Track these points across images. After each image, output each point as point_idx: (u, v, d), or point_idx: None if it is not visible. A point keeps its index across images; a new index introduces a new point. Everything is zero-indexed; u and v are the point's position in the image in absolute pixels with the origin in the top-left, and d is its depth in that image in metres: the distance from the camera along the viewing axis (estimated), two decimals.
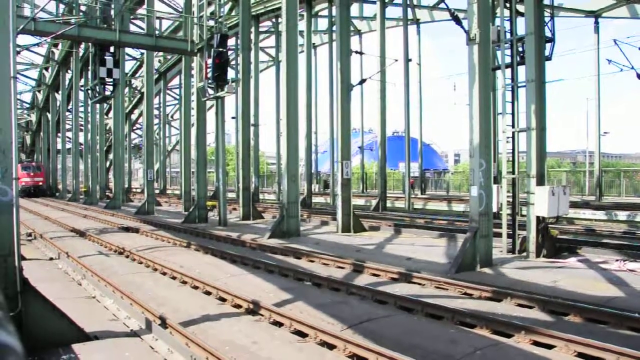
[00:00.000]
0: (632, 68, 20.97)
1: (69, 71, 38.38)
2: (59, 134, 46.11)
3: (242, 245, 14.00)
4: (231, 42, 28.01)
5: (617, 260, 10.53)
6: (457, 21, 10.92)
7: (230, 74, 21.85)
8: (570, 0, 24.60)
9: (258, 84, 29.78)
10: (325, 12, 30.26)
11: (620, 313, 6.56)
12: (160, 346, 5.75)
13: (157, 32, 22.58)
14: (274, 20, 31.90)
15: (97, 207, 30.22)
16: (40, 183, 44.90)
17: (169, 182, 54.56)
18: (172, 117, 53.03)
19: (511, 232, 12.09)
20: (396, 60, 24.93)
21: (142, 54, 33.70)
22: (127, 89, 41.14)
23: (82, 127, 38.42)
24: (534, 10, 11.71)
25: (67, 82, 39.46)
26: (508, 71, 12.35)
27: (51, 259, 12.14)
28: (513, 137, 12.26)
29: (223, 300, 7.95)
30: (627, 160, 79.55)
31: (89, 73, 21.66)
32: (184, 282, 9.32)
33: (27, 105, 54.39)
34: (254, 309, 7.19)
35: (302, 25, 27.09)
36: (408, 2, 27.58)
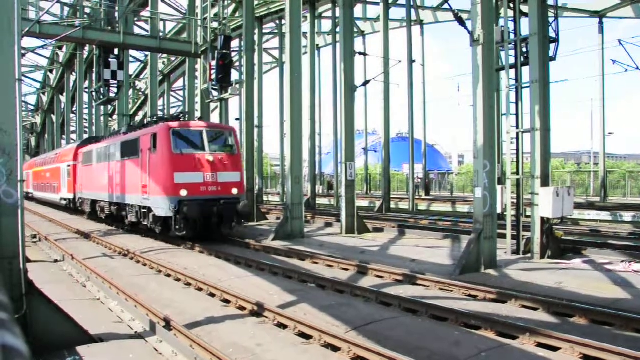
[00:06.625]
0: (637, 68, 20.89)
1: (73, 73, 38.52)
2: (64, 136, 46.30)
3: (246, 247, 13.99)
4: (235, 43, 28.12)
5: (622, 261, 10.50)
6: (461, 22, 10.90)
7: (234, 75, 21.95)
8: (575, 0, 24.56)
9: (262, 86, 29.84)
10: (329, 14, 30.27)
11: (626, 315, 6.53)
12: (165, 348, 5.77)
13: (161, 34, 22.64)
14: (277, 22, 31.94)
15: None
16: (235, 191, 14.76)
17: None
18: None
19: (515, 234, 12.06)
20: (400, 62, 24.88)
21: (146, 56, 33.84)
22: (131, 91, 41.24)
23: (87, 129, 38.56)
24: (537, 11, 11.69)
25: (71, 84, 39.59)
26: (512, 72, 12.34)
27: (56, 261, 12.18)
28: (517, 138, 12.24)
29: (227, 302, 7.95)
30: (632, 161, 79.14)
31: (94, 75, 21.74)
32: (188, 284, 9.33)
33: (32, 108, 54.64)
34: (258, 311, 7.19)
35: (305, 26, 27.12)
36: (412, 3, 27.57)
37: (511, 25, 12.59)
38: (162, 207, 13.91)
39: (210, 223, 14.06)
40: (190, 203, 13.39)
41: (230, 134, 15.46)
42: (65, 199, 25.59)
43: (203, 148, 14.42)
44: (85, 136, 35.34)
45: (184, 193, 13.66)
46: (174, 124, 14.82)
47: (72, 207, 24.58)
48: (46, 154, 36.71)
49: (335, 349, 5.71)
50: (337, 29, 24.48)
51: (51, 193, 28.67)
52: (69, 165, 24.47)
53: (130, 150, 16.20)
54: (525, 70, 12.11)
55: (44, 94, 49.22)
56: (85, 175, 21.67)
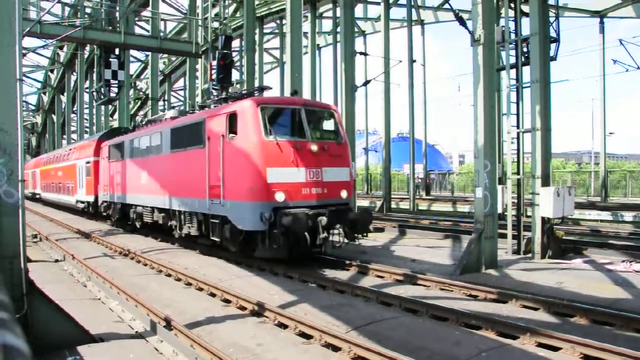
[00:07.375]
0: (638, 68, 20.90)
1: (74, 73, 38.57)
2: (64, 136, 46.33)
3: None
4: (235, 43, 28.12)
5: (623, 261, 10.49)
6: (462, 22, 10.90)
7: (235, 75, 21.95)
8: (575, 0, 24.55)
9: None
10: (330, 14, 30.30)
11: (627, 315, 6.53)
12: (165, 348, 5.77)
13: (161, 34, 22.66)
14: (278, 21, 31.95)
15: None
16: (344, 194, 10.80)
17: None
18: None
19: (516, 233, 12.06)
20: (400, 61, 24.88)
21: (146, 55, 33.87)
22: (132, 91, 41.25)
23: (87, 129, 38.57)
24: (538, 11, 11.69)
25: (72, 84, 39.64)
26: (513, 72, 12.34)
27: (57, 260, 12.19)
28: (518, 138, 12.24)
29: (228, 302, 7.96)
30: (633, 161, 79.10)
31: (94, 75, 21.79)
32: (189, 284, 9.33)
33: (33, 107, 54.70)
34: (259, 311, 7.19)
35: (306, 26, 27.11)
36: (412, 3, 27.56)
37: (512, 25, 12.59)
38: (247, 216, 9.91)
39: (315, 239, 9.59)
40: (293, 211, 9.48)
41: (332, 115, 11.29)
42: (82, 202, 21.83)
43: (303, 134, 10.31)
44: (86, 136, 35.36)
45: (280, 197, 9.72)
46: (263, 99, 10.68)
47: (91, 211, 20.82)
48: (57, 150, 34.75)
49: (336, 348, 5.71)
50: (338, 29, 24.49)
51: (64, 194, 25.38)
52: (87, 162, 20.82)
53: (187, 138, 12.24)
54: (526, 70, 12.12)
55: (44, 93, 49.28)
56: (113, 173, 17.69)
